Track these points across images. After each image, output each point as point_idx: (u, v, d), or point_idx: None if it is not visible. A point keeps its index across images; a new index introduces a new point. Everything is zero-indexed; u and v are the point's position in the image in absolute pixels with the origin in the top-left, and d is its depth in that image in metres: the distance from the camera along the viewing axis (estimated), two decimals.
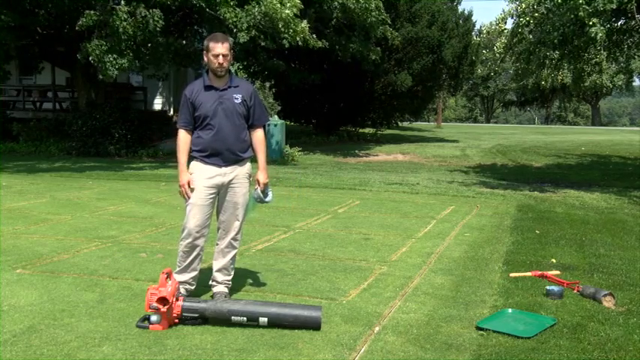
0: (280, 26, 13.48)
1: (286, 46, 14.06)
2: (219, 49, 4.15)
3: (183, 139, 4.29)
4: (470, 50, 24.88)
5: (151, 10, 13.15)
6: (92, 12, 12.98)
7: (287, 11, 13.39)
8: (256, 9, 13.56)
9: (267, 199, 4.43)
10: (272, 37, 14.07)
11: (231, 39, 4.35)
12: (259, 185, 4.40)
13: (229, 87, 4.28)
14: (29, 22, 14.55)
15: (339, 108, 24.15)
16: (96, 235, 6.56)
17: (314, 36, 14.49)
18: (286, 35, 13.71)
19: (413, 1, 22.63)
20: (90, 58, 13.12)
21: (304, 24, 13.96)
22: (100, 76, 13.56)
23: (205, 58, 4.26)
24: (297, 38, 13.83)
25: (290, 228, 7.10)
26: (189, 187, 4.23)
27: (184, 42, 16.11)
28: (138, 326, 3.82)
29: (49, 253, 5.70)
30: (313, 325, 3.80)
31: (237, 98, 4.26)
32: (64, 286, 4.67)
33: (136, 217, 7.71)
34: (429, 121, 46.54)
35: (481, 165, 16.32)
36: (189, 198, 4.23)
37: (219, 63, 4.16)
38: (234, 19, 13.50)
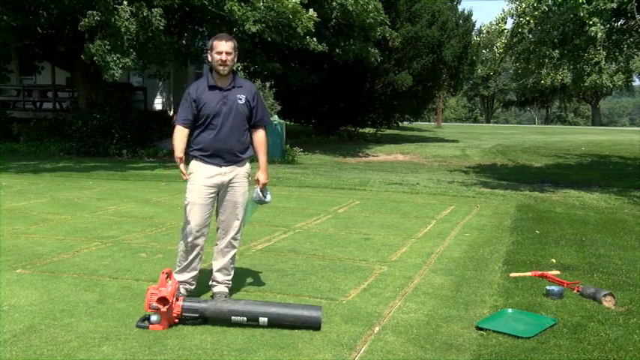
0: (290, 15, 13.54)
1: (301, 34, 14.09)
2: (222, 47, 4.15)
3: (180, 131, 4.26)
4: (470, 50, 24.89)
5: (152, 10, 13.16)
6: (94, 12, 12.98)
7: (293, 0, 13.44)
8: (261, 3, 13.59)
9: (267, 199, 4.43)
10: (278, 31, 14.09)
11: (235, 41, 4.34)
12: (259, 185, 4.40)
13: (233, 87, 4.28)
14: (30, 22, 14.55)
15: (339, 108, 24.15)
16: (96, 235, 6.56)
17: (314, 39, 14.53)
18: (299, 23, 13.76)
19: (413, 0, 22.63)
20: (94, 59, 13.13)
21: (311, 12, 14.02)
22: (105, 76, 13.57)
23: (209, 58, 4.26)
24: (309, 25, 13.89)
25: (290, 228, 7.09)
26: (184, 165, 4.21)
27: (184, 42, 16.11)
28: (138, 326, 3.82)
29: (49, 253, 5.70)
30: (313, 325, 3.80)
31: (240, 99, 4.26)
32: (64, 286, 4.67)
33: (136, 217, 7.71)
34: (429, 121, 46.54)
35: (481, 165, 16.32)
36: (184, 176, 4.22)
37: (222, 60, 4.15)
38: (240, 13, 13.53)
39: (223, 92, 4.24)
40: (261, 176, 4.38)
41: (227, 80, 4.27)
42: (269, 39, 14.23)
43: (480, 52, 26.41)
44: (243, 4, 13.75)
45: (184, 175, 4.23)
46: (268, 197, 4.44)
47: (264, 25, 13.81)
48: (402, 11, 22.21)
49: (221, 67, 4.19)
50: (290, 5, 13.43)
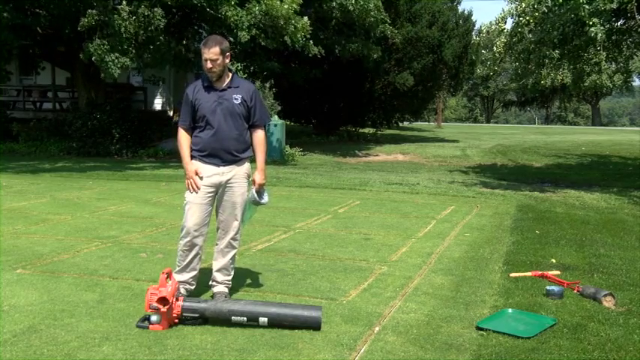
0: (282, 23, 13.52)
1: (288, 43, 14.10)
2: (206, 55, 4.18)
3: (184, 135, 4.33)
4: (470, 50, 24.88)
5: (153, 10, 13.15)
6: (93, 12, 12.98)
7: (286, 7, 13.42)
8: (257, 8, 13.59)
9: (262, 201, 4.41)
10: (273, 36, 14.10)
11: (227, 41, 4.34)
12: (255, 185, 4.40)
13: (229, 87, 4.29)
14: (30, 22, 14.56)
15: (339, 108, 24.15)
16: (96, 235, 6.56)
17: (311, 42, 14.52)
18: (287, 31, 13.75)
19: (413, 1, 22.64)
20: (93, 58, 13.14)
21: (305, 20, 13.99)
22: (103, 76, 13.57)
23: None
24: (299, 35, 13.86)
25: (290, 228, 7.09)
26: (197, 175, 4.22)
27: (184, 42, 16.13)
28: (138, 326, 3.82)
29: (49, 253, 5.71)
30: (313, 325, 3.80)
31: (236, 99, 4.27)
32: (64, 286, 4.67)
33: (136, 217, 7.71)
34: (429, 122, 46.53)
35: (481, 165, 16.32)
36: (198, 188, 4.22)
37: (207, 68, 4.20)
38: (236, 18, 13.54)
39: (219, 92, 4.26)
40: (258, 177, 4.38)
41: (223, 81, 4.29)
42: (263, 43, 14.23)
43: (480, 52, 26.40)
44: (239, 8, 13.75)
45: (195, 179, 4.23)
46: (265, 199, 4.43)
47: (259, 30, 13.80)
48: (402, 11, 22.21)
49: (208, 74, 4.23)
50: (283, 12, 13.40)
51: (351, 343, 3.63)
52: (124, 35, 13.00)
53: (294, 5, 13.61)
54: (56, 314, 4.04)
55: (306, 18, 14.15)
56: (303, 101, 24.37)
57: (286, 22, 13.59)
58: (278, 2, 13.42)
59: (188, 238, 4.23)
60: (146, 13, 13.06)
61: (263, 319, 3.80)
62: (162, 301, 3.77)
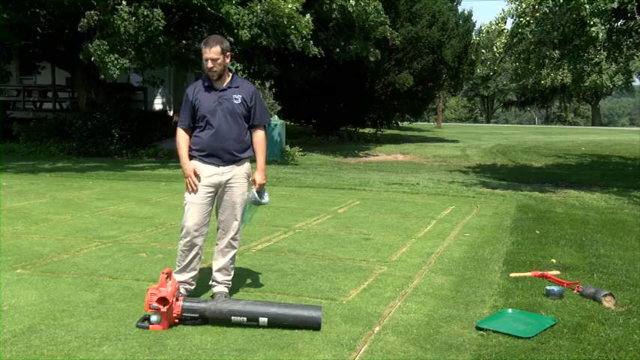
0: (285, 22, 13.54)
1: (294, 41, 14.10)
2: (207, 54, 4.18)
3: (182, 135, 4.33)
4: (470, 50, 24.89)
5: (153, 10, 13.16)
6: (93, 12, 12.98)
7: (290, 6, 13.44)
8: (258, 7, 13.60)
9: (263, 201, 4.42)
10: (275, 35, 14.10)
11: (227, 41, 4.34)
12: (255, 185, 4.40)
13: (229, 87, 4.29)
14: (30, 22, 14.56)
15: (339, 108, 24.16)
16: (96, 235, 6.56)
17: (311, 42, 14.53)
18: (293, 31, 13.75)
19: (413, 1, 22.66)
20: (92, 59, 13.14)
21: (307, 17, 14.00)
22: (102, 76, 13.58)
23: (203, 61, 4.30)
24: (304, 32, 13.87)
25: (290, 228, 7.09)
26: (195, 175, 4.22)
27: (184, 42, 16.14)
28: (138, 326, 3.82)
29: (49, 253, 5.71)
30: (313, 325, 3.80)
31: (236, 99, 4.27)
32: (64, 286, 4.67)
33: (136, 217, 7.71)
34: (429, 121, 46.55)
35: (481, 165, 16.32)
36: (196, 187, 4.22)
37: (208, 67, 4.20)
38: (237, 17, 13.53)
39: (219, 92, 4.26)
40: (258, 177, 4.38)
41: (223, 80, 4.29)
42: (264, 43, 14.23)
43: (480, 52, 26.42)
44: (240, 7, 13.75)
45: (193, 178, 4.23)
46: (265, 199, 4.43)
47: (260, 30, 13.81)
48: (402, 11, 22.22)
49: (209, 74, 4.24)
50: (286, 10, 13.42)
51: (351, 343, 3.63)
52: (123, 36, 12.99)
53: (296, 5, 13.63)
54: (56, 314, 4.04)
55: (308, 15, 14.17)
56: (303, 101, 24.39)
57: (289, 20, 13.61)
58: (282, 1, 13.43)
59: (188, 238, 4.23)
60: (146, 14, 13.06)
61: (263, 319, 3.80)
62: (162, 301, 3.77)
